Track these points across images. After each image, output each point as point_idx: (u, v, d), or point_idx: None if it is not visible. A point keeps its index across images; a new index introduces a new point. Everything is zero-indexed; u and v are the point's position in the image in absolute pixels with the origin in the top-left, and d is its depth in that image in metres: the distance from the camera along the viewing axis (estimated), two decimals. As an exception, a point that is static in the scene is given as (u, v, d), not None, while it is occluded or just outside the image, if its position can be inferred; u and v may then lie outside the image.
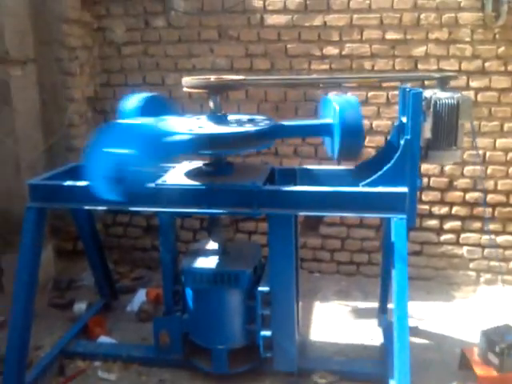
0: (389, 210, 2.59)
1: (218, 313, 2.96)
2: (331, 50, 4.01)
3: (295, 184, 3.02)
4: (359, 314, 3.84)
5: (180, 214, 2.99)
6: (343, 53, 3.99)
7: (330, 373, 3.04)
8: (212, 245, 3.13)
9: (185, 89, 2.79)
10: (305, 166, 3.17)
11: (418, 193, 4.11)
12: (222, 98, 2.84)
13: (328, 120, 2.73)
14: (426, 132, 2.59)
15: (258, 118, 3.00)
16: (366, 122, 4.05)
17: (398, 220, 2.57)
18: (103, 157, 2.18)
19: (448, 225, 4.14)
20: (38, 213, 2.91)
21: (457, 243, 4.15)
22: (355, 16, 3.92)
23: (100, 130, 2.28)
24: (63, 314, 3.91)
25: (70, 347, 3.36)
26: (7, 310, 3.60)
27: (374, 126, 4.06)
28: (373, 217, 2.71)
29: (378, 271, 4.16)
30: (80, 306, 3.88)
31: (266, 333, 2.87)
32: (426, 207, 4.13)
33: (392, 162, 2.62)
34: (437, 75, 2.71)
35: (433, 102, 2.56)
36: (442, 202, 4.12)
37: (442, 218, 4.15)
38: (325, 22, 3.97)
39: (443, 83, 2.64)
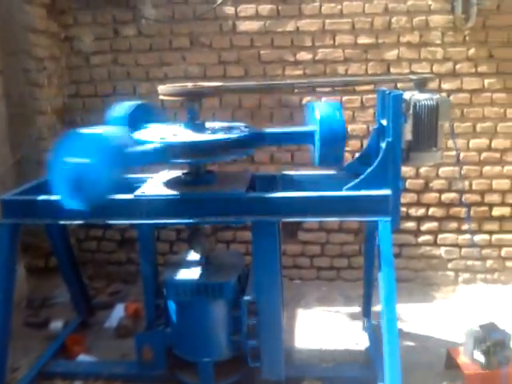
0: (373, 213, 2.58)
1: (202, 325, 2.88)
2: (304, 56, 4.01)
3: (277, 191, 2.99)
4: (342, 318, 3.82)
5: (159, 225, 2.90)
6: (316, 58, 4.00)
7: (318, 379, 3.01)
8: (193, 255, 3.05)
9: (161, 97, 2.72)
10: (285, 172, 3.13)
11: (397, 195, 4.15)
12: (199, 105, 2.79)
13: (310, 127, 2.70)
14: (407, 134, 2.59)
15: (237, 125, 2.95)
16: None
17: (382, 223, 2.56)
18: (62, 166, 2.15)
19: (425, 226, 4.18)
20: (12, 229, 2.79)
21: (434, 244, 4.19)
22: (327, 21, 3.93)
23: (61, 140, 2.22)
24: (39, 333, 3.77)
25: (49, 367, 3.24)
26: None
27: (349, 130, 4.07)
28: (357, 220, 2.70)
29: (359, 275, 4.17)
30: (56, 325, 3.75)
31: (253, 342, 2.81)
32: (403, 209, 4.15)
33: (374, 164, 2.61)
34: (414, 77, 2.72)
35: (412, 103, 2.56)
36: (418, 204, 4.15)
37: (419, 219, 4.18)
38: (297, 28, 3.97)
39: (421, 85, 2.65)
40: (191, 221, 2.66)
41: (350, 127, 4.07)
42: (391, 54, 3.92)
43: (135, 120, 2.86)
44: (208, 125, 2.88)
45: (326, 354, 3.37)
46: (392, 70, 3.93)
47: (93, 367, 3.26)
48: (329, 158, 2.61)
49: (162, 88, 2.72)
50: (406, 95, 2.61)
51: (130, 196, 2.67)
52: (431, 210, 4.15)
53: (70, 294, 3.77)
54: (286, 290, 4.25)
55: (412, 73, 3.87)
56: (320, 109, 2.62)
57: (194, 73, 4.14)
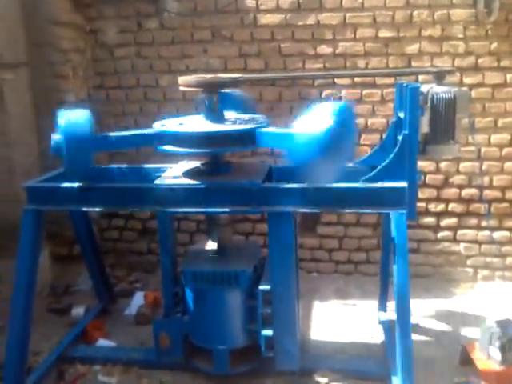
0: (389, 206, 2.58)
1: (218, 313, 2.94)
2: (325, 49, 4.02)
3: (293, 182, 3.01)
4: (358, 312, 3.83)
5: (177, 213, 2.97)
6: (337, 51, 4.00)
7: (332, 371, 3.03)
8: (211, 245, 3.10)
9: (181, 87, 2.77)
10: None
11: (415, 189, 4.13)
12: (217, 96, 2.83)
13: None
14: (424, 127, 2.59)
15: (255, 117, 2.98)
16: (360, 121, 4.07)
17: (398, 215, 2.57)
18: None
19: (444, 222, 4.15)
20: (35, 215, 2.88)
21: (454, 240, 4.16)
22: (348, 14, 3.93)
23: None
24: (61, 319, 3.88)
25: (69, 352, 3.33)
26: (5, 315, 3.61)
27: (368, 124, 4.06)
28: (373, 212, 2.71)
29: (376, 269, 4.17)
30: (78, 311, 3.86)
31: (268, 332, 2.85)
32: (423, 204, 4.14)
33: (390, 157, 2.62)
34: (433, 69, 2.71)
35: (430, 96, 2.56)
36: (438, 199, 4.13)
37: (439, 215, 4.16)
38: (318, 21, 3.98)
39: (440, 78, 2.64)
40: (208, 210, 2.70)
41: (369, 121, 4.07)
42: (412, 48, 3.89)
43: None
44: (227, 116, 2.92)
45: (340, 346, 3.39)
46: (413, 63, 3.90)
47: (111, 352, 3.35)
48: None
49: (182, 79, 2.77)
50: (424, 88, 2.61)
51: (149, 185, 2.74)
52: (451, 206, 4.12)
53: (92, 282, 3.87)
54: (303, 282, 4.27)
55: (433, 67, 3.84)
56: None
57: (215, 65, 4.18)
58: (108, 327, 3.70)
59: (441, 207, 4.13)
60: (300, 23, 4.01)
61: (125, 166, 3.28)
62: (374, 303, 3.77)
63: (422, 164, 4.04)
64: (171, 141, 2.69)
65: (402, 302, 2.56)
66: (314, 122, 2.36)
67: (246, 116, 3.00)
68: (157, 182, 2.76)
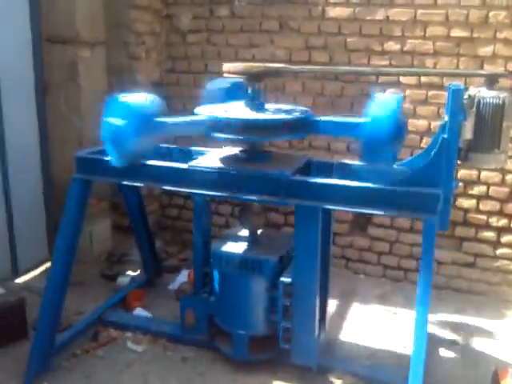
0: (419, 212, 2.48)
1: (241, 298, 2.98)
2: (392, 46, 3.87)
3: (330, 178, 2.97)
4: (398, 320, 3.70)
5: (213, 197, 3.03)
6: (404, 49, 3.84)
7: (349, 375, 2.96)
8: (244, 232, 3.14)
9: (225, 74, 2.82)
10: (342, 161, 3.08)
11: (475, 201, 3.90)
12: (261, 85, 2.85)
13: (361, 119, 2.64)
14: (467, 132, 2.44)
15: (298, 109, 2.96)
16: (423, 123, 3.90)
17: (427, 223, 2.45)
18: (104, 124, 2.49)
19: (505, 238, 3.87)
20: (82, 184, 3.07)
21: (514, 259, 3.87)
22: (419, 11, 3.75)
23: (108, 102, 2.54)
24: (110, 284, 4.11)
25: (106, 316, 3.53)
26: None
27: (432, 126, 3.87)
28: (402, 216, 2.59)
29: (427, 279, 4.00)
30: (123, 279, 4.06)
31: (287, 324, 2.85)
32: (484, 217, 3.89)
33: (426, 161, 2.50)
34: (484, 72, 2.53)
35: (476, 100, 2.40)
36: (500, 213, 3.85)
37: (500, 230, 3.88)
38: (387, 17, 3.84)
39: (491, 82, 2.46)
40: (235, 196, 2.74)
41: (432, 124, 3.88)
42: (486, 50, 3.64)
43: (231, 96, 3.01)
44: (269, 106, 2.93)
45: (368, 352, 3.30)
46: (486, 67, 3.65)
47: (144, 322, 3.51)
48: (375, 156, 2.52)
49: (227, 65, 2.82)
50: (472, 91, 2.45)
51: (184, 165, 2.82)
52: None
53: (140, 253, 4.06)
54: (347, 282, 4.25)
55: (508, 72, 3.57)
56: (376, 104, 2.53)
57: (280, 56, 4.19)
58: (148, 298, 3.87)
59: (503, 222, 3.85)
60: (368, 18, 3.89)
61: (174, 146, 3.38)
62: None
63: (486, 174, 3.81)
64: (221, 128, 2.72)
65: (421, 312, 2.46)
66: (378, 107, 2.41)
67: (284, 106, 2.99)
68: (191, 163, 2.84)
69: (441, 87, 3.78)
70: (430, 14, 3.73)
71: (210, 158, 2.98)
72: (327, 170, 3.06)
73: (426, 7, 3.73)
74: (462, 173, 3.87)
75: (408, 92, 3.88)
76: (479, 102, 2.40)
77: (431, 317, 3.65)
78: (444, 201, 2.48)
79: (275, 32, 4.19)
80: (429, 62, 3.79)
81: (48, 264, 4.41)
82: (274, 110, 2.86)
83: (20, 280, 4.10)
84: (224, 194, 2.77)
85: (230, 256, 2.93)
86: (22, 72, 4.02)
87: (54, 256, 3.11)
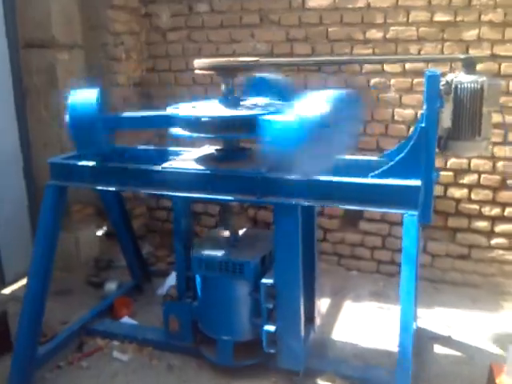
0: (399, 205, 2.36)
1: (223, 303, 2.89)
2: (375, 34, 3.75)
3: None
4: (392, 317, 3.58)
5: (187, 199, 2.94)
6: (387, 36, 3.72)
7: (340, 377, 2.86)
8: (226, 233, 3.05)
9: (196, 71, 2.72)
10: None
11: (467, 191, 3.78)
12: (233, 80, 2.74)
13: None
14: (446, 120, 2.32)
15: (276, 103, 2.85)
16: (410, 112, 3.78)
17: (408, 216, 2.34)
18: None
19: (500, 228, 3.75)
20: (56, 191, 2.98)
21: (509, 248, 3.74)
22: (401, -4, 3.64)
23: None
24: (96, 292, 4.02)
25: (93, 325, 3.44)
26: (52, 283, 3.54)
27: (418, 115, 3.75)
28: (381, 211, 2.48)
29: (422, 274, 3.88)
30: (110, 286, 3.97)
31: (270, 328, 2.75)
32: (476, 207, 3.77)
33: (404, 151, 2.38)
34: (461, 56, 2.41)
35: (453, 86, 2.28)
36: (493, 202, 3.73)
37: (494, 219, 3.75)
38: (368, 4, 3.72)
39: (469, 65, 2.34)
40: (211, 197, 2.64)
41: (419, 113, 3.75)
42: (471, 34, 3.51)
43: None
44: (246, 102, 2.82)
45: (360, 351, 3.19)
46: (471, 51, 3.51)
47: (130, 330, 3.41)
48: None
49: (197, 62, 2.71)
50: (449, 77, 2.33)
51: (157, 167, 2.73)
52: (508, 210, 3.70)
53: (126, 259, 3.97)
54: (339, 279, 4.15)
55: (494, 56, 3.45)
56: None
57: (261, 50, 4.08)
58: (137, 305, 3.79)
59: (496, 211, 3.73)
60: (349, 6, 3.77)
61: (151, 147, 3.29)
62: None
63: (477, 162, 3.69)
64: (179, 124, 2.66)
65: (405, 311, 2.34)
66: (301, 109, 2.20)
67: (268, 101, 2.88)
68: (164, 165, 2.74)
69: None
70: (412, -2, 3.61)
71: (186, 159, 2.88)
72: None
73: (408, -8, 3.61)
74: (452, 162, 3.76)
75: (393, 81, 3.77)
76: (456, 87, 2.28)
77: (426, 311, 3.58)
78: (425, 192, 2.37)
79: (256, 26, 4.08)
80: (413, 48, 3.67)
81: (36, 273, 4.36)
82: (248, 106, 2.75)
83: (7, 290, 4.02)
84: (199, 196, 2.66)
85: (209, 259, 2.83)
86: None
87: (31, 266, 3.02)
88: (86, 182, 2.92)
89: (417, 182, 2.33)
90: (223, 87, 2.75)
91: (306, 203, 2.50)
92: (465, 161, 3.72)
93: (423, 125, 2.31)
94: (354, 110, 2.37)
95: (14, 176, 4.13)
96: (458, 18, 3.52)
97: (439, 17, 3.57)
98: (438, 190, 3.83)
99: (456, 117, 2.31)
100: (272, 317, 2.78)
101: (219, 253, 2.86)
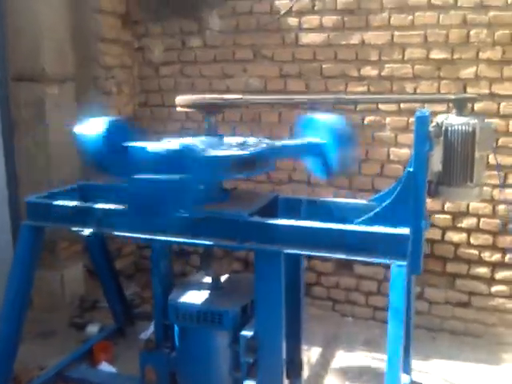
0: (386, 255, 2.19)
1: (202, 355, 2.68)
2: (369, 71, 3.65)
3: (299, 217, 2.71)
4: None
5: (164, 243, 2.78)
6: (382, 73, 3.62)
7: None
8: (205, 278, 2.87)
9: (178, 108, 2.61)
10: (313, 198, 2.83)
11: (466, 235, 3.59)
12: (215, 118, 2.62)
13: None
14: (436, 164, 2.17)
15: (255, 141, 2.71)
16: (405, 152, 3.64)
17: (395, 267, 2.16)
18: None
19: (500, 274, 3.55)
20: (32, 231, 2.85)
21: (510, 296, 3.53)
22: (396, 33, 3.53)
23: None
24: (79, 334, 3.85)
25: (68, 371, 3.25)
26: (35, 324, 3.74)
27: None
28: (368, 261, 2.32)
29: (420, 322, 3.70)
30: (91, 329, 3.80)
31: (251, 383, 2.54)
32: (475, 252, 3.58)
33: (392, 197, 2.23)
34: (452, 96, 2.28)
35: (444, 128, 2.14)
36: (493, 247, 3.54)
37: (494, 265, 3.56)
38: (363, 41, 3.63)
39: (460, 106, 2.20)
40: (190, 241, 2.49)
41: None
42: (468, 72, 3.39)
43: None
44: (227, 139, 2.69)
45: (350, 407, 2.98)
46: (469, 89, 3.39)
47: (106, 379, 3.23)
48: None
49: (178, 99, 2.60)
50: (439, 118, 2.19)
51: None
52: (508, 256, 3.50)
53: (108, 302, 3.80)
54: (333, 326, 3.94)
55: (492, 94, 3.32)
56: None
57: (254, 85, 3.99)
58: (117, 350, 3.60)
59: (496, 257, 3.54)
60: (343, 42, 3.68)
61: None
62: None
63: (476, 206, 3.52)
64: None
65: (391, 371, 2.14)
66: None
67: (238, 139, 2.74)
68: (140, 206, 2.59)
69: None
70: (408, 35, 3.51)
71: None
72: (296, 207, 2.80)
73: (403, 29, 3.51)
74: (450, 204, 3.59)
75: (388, 120, 3.64)
76: (447, 130, 2.13)
77: (421, 363, 3.36)
78: (414, 242, 2.20)
79: (249, 61, 4.00)
80: (409, 86, 3.55)
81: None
82: (230, 145, 2.62)
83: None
84: (175, 240, 2.51)
85: (186, 307, 2.64)
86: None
87: (3, 308, 2.86)
88: (62, 222, 2.78)
89: (405, 231, 2.16)
90: (205, 125, 2.63)
91: (289, 251, 2.33)
92: (463, 203, 3.55)
93: (411, 169, 2.16)
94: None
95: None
96: (455, 56, 3.41)
97: (435, 54, 3.46)
98: (435, 234, 3.67)
99: (447, 161, 2.16)
100: (253, 371, 2.58)
101: (197, 301, 2.68)
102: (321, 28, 3.73)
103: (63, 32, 4.01)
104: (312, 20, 3.75)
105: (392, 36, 3.55)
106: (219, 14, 4.01)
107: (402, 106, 3.60)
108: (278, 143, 2.65)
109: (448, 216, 3.63)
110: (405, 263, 2.15)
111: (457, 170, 2.14)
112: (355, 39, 3.64)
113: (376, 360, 3.47)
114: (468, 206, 3.53)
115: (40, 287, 4.28)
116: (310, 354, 3.59)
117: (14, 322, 2.84)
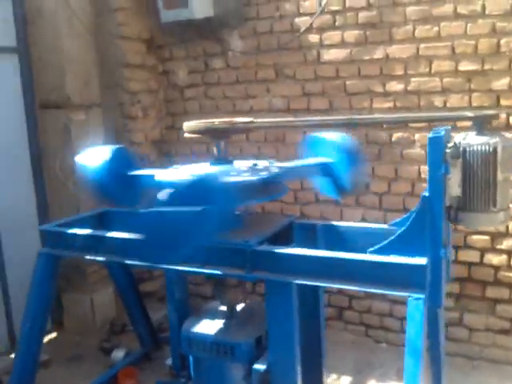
0: (403, 286, 2.03)
1: (215, 386, 2.60)
2: (395, 86, 3.48)
3: (315, 242, 2.59)
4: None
5: (174, 272, 2.71)
6: (409, 88, 3.44)
7: None
8: (219, 307, 2.78)
9: (186, 134, 2.55)
10: (329, 222, 2.69)
11: (506, 257, 3.34)
12: (226, 143, 2.55)
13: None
14: (454, 188, 2.00)
15: (266, 165, 2.62)
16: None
17: (413, 300, 2.00)
18: None
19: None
20: (48, 259, 2.85)
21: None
22: (422, 45, 3.35)
23: None
24: (106, 359, 3.83)
25: (92, 399, 3.24)
26: (65, 347, 3.78)
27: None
28: (383, 293, 2.16)
29: (458, 350, 3.47)
30: (117, 354, 3.78)
31: (266, 419, 2.42)
32: (521, 275, 3.33)
33: (407, 224, 2.07)
34: (470, 114, 2.10)
35: (461, 149, 1.97)
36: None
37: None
38: (387, 55, 3.47)
39: (480, 124, 2.03)
40: (195, 270, 2.41)
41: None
42: (501, 84, 3.16)
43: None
44: (237, 163, 2.61)
45: None
46: (503, 102, 3.17)
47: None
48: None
49: (186, 125, 2.54)
50: (457, 138, 2.03)
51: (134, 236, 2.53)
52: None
53: (133, 326, 3.77)
54: (366, 353, 3.75)
55: (500, 110, 3.08)
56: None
57: (277, 105, 3.90)
58: (143, 375, 3.56)
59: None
60: (367, 58, 3.53)
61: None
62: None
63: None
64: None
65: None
66: None
67: (255, 162, 2.65)
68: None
69: (455, 130, 3.33)
70: (434, 47, 3.32)
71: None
72: (312, 233, 2.67)
73: (429, 40, 3.33)
74: (488, 224, 3.35)
75: (417, 136, 3.45)
76: (465, 150, 1.96)
77: (460, 396, 3.13)
78: (433, 272, 2.03)
79: (271, 80, 3.92)
80: (437, 100, 3.36)
81: (52, 335, 4.24)
82: (240, 170, 2.53)
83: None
84: (182, 268, 2.44)
85: (199, 338, 2.56)
86: (15, 139, 3.96)
87: (21, 338, 2.87)
88: (76, 251, 2.77)
89: (422, 261, 2.00)
90: (215, 150, 2.56)
91: (299, 281, 2.21)
92: (502, 223, 3.31)
93: (427, 194, 2.00)
94: None
95: (29, 241, 3.93)
96: (486, 67, 3.20)
97: (465, 66, 3.26)
98: (473, 256, 3.44)
99: (466, 184, 1.98)
100: (268, 406, 2.46)
101: (210, 331, 2.59)
102: (343, 44, 3.60)
103: (88, 59, 4.08)
104: (333, 36, 3.62)
105: (417, 49, 3.37)
106: (240, 34, 3.96)
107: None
108: (289, 164, 2.56)
109: (486, 237, 3.39)
110: (423, 296, 1.99)
111: (478, 194, 1.96)
112: (379, 54, 3.49)
113: (410, 391, 3.26)
114: (507, 226, 3.28)
115: (71, 310, 4.35)
116: (340, 383, 3.44)
117: (32, 352, 2.85)
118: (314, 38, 3.69)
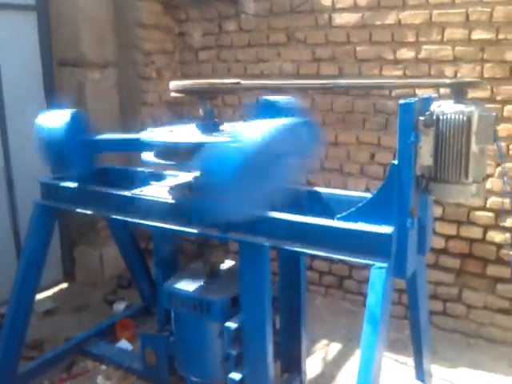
0: (367, 254, 2.01)
1: (193, 342, 2.66)
2: (406, 53, 3.36)
3: (301, 208, 2.58)
4: (406, 373, 3.14)
5: (154, 228, 2.75)
6: (420, 56, 3.32)
7: None
8: (202, 267, 2.82)
9: (172, 94, 2.56)
10: (313, 188, 2.66)
11: (510, 235, 3.24)
12: (212, 104, 2.54)
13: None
14: (425, 157, 1.94)
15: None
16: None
17: (375, 269, 1.98)
18: None
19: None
20: (44, 210, 2.96)
21: None
22: (435, 12, 3.21)
23: None
24: (110, 310, 3.99)
25: (87, 346, 3.38)
26: (73, 297, 4.03)
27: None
28: (348, 260, 2.12)
29: (455, 325, 3.43)
30: (118, 306, 3.92)
31: (235, 376, 2.47)
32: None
33: (375, 193, 2.03)
34: (448, 81, 2.01)
35: (435, 117, 1.90)
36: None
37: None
38: (399, 20, 3.34)
39: (458, 92, 1.94)
40: (173, 228, 2.45)
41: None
42: (514, 54, 3.02)
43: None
44: (225, 126, 2.61)
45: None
46: (515, 73, 3.03)
47: (120, 356, 3.31)
48: None
49: (173, 84, 2.55)
50: (433, 106, 1.95)
51: (127, 193, 2.60)
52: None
53: (134, 280, 3.89)
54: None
55: (480, 79, 2.92)
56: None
57: (287, 70, 3.85)
58: (141, 328, 3.67)
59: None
60: (378, 23, 3.42)
61: (139, 168, 3.15)
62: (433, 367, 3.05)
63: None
64: (150, 150, 2.50)
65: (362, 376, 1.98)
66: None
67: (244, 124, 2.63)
68: (135, 191, 2.60)
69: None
70: (448, 14, 3.18)
71: (164, 185, 2.72)
72: (296, 198, 2.66)
73: (443, 7, 3.18)
74: (492, 200, 3.24)
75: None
76: (438, 118, 1.89)
77: (450, 371, 3.11)
78: (399, 242, 1.99)
79: (282, 45, 3.86)
80: (448, 69, 3.23)
81: (62, 285, 4.44)
82: (226, 132, 2.53)
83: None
84: (162, 225, 2.48)
85: (179, 294, 2.63)
86: (32, 96, 4.07)
87: (14, 287, 2.99)
88: (67, 203, 2.87)
89: (387, 229, 1.97)
90: (201, 111, 2.57)
91: (268, 243, 2.22)
92: (507, 199, 3.19)
93: (396, 162, 1.95)
94: (304, 140, 2.07)
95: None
96: (501, 36, 3.04)
97: (478, 34, 3.11)
98: (475, 233, 3.35)
99: (438, 154, 1.91)
100: (240, 364, 2.51)
101: (189, 288, 2.64)
102: (355, 7, 3.49)
103: (103, 19, 4.12)
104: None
105: (430, 15, 3.23)
106: (254, -4, 3.90)
107: (441, 90, 3.27)
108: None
109: (490, 214, 3.29)
110: (386, 265, 1.96)
111: (449, 164, 1.89)
112: (391, 19, 3.37)
113: (398, 363, 3.26)
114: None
115: (81, 263, 4.52)
116: (329, 350, 3.46)
117: (25, 299, 2.97)
118: (326, 0, 3.58)
